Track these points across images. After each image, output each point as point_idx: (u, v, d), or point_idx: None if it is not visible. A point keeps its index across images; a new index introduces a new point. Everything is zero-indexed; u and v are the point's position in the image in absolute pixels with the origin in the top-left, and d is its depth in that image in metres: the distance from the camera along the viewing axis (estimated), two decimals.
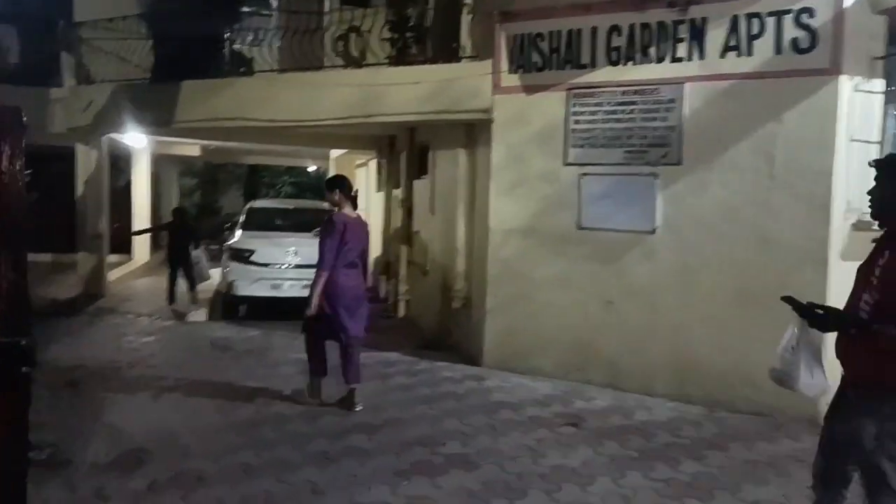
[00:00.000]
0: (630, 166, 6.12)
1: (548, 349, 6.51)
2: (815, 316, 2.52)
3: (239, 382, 6.13)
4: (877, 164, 2.71)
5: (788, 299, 2.58)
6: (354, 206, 5.60)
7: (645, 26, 5.98)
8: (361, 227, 5.62)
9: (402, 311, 9.63)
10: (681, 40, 5.84)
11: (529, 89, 6.66)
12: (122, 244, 14.98)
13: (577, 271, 6.36)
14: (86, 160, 10.72)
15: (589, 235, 6.31)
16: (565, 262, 6.43)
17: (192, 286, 9.95)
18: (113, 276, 12.01)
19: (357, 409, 5.36)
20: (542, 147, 6.60)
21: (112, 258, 13.63)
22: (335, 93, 7.87)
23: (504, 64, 6.76)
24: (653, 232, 5.98)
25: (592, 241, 6.29)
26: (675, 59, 5.87)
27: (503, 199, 6.81)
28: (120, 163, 15.17)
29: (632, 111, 6.08)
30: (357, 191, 5.80)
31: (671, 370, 5.93)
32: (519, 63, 6.69)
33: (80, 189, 10.83)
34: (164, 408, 5.44)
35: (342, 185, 5.60)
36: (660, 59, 5.94)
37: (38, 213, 16.24)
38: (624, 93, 6.12)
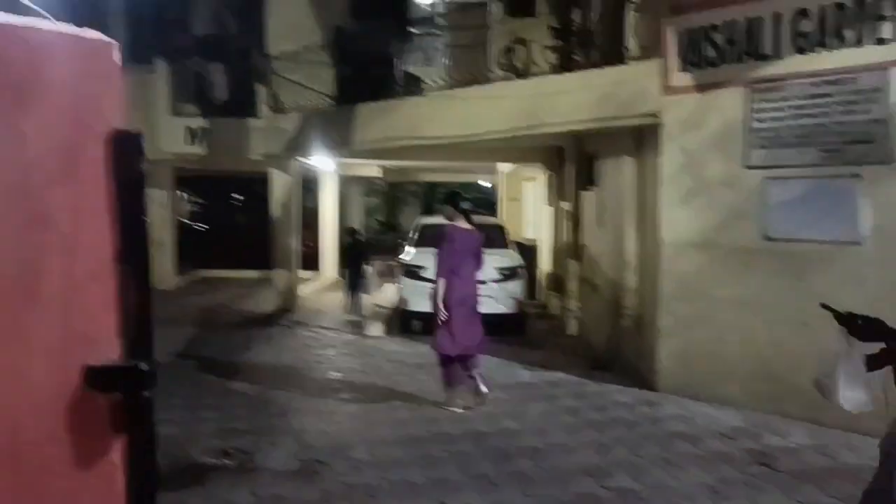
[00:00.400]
0: (825, 167, 5.36)
1: (733, 375, 5.88)
2: (855, 325, 2.35)
3: (410, 397, 6.23)
4: None
5: (827, 307, 2.45)
6: (468, 220, 5.99)
7: (839, 6, 5.21)
8: (473, 237, 5.96)
9: (572, 329, 9.33)
10: (883, 18, 5.02)
11: (703, 88, 6.11)
12: (311, 261, 16.18)
13: (766, 289, 5.68)
14: (279, 184, 11.66)
15: (778, 248, 5.62)
16: (751, 279, 5.78)
17: (359, 300, 10.52)
18: (303, 291, 12.92)
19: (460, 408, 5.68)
20: (719, 150, 6.03)
21: (303, 274, 14.76)
22: (500, 105, 7.85)
23: (673, 62, 6.28)
24: (859, 243, 5.18)
25: (782, 255, 5.59)
26: (879, 41, 5.06)
27: (676, 209, 6.31)
28: (310, 185, 16.41)
29: (825, 104, 5.33)
30: (469, 206, 6.28)
31: (882, 404, 5.05)
32: (690, 60, 6.18)
33: (274, 211, 11.79)
34: (341, 418, 5.68)
35: (454, 200, 6.06)
36: (858, 43, 5.15)
37: (243, 234, 18.22)
38: (815, 84, 5.38)
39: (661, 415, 5.71)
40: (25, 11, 1.34)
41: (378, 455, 4.80)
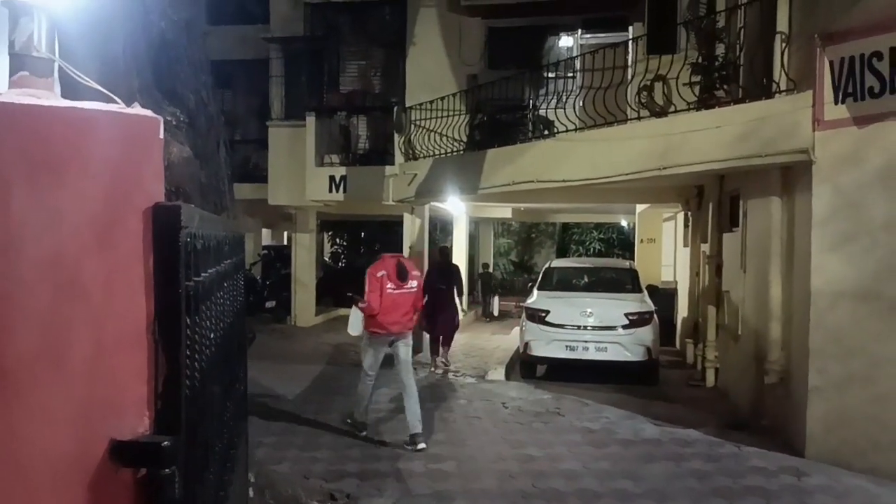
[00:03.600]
0: None
1: None
2: None
3: (521, 448, 5.98)
4: None
5: None
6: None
7: None
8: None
9: (710, 380, 8.61)
10: None
11: (863, 120, 5.49)
12: None
13: None
14: (411, 227, 11.95)
15: None
16: None
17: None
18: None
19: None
20: (882, 190, 5.38)
21: None
22: (632, 146, 7.57)
23: (827, 94, 5.71)
24: None
25: None
26: None
27: (829, 255, 5.65)
28: (446, 227, 16.71)
29: None
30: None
31: None
32: (847, 91, 5.58)
33: (406, 252, 12.07)
34: (448, 466, 5.53)
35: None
36: None
37: None
38: None
39: (807, 486, 5.03)
40: (87, 92, 1.42)
41: None
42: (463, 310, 11.76)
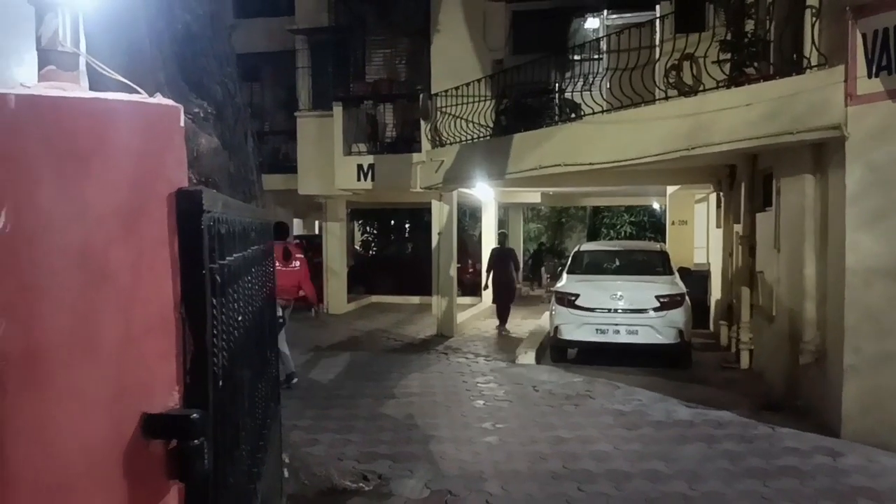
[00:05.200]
0: None
1: None
2: None
3: (552, 430, 6.01)
4: None
5: None
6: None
7: None
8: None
9: (744, 362, 8.51)
10: None
11: None
12: (473, 288, 16.39)
13: None
14: (439, 214, 11.99)
15: None
16: None
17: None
18: (462, 317, 13.06)
19: None
20: None
21: (464, 300, 14.98)
22: (660, 127, 7.48)
23: (860, 69, 5.57)
24: None
25: None
26: None
27: (864, 233, 5.54)
28: (475, 213, 16.73)
29: None
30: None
31: None
32: (881, 64, 5.44)
33: (434, 239, 12.12)
34: (480, 448, 5.59)
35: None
36: None
37: (407, 261, 18.98)
38: None
39: (842, 466, 4.97)
40: (113, 86, 1.47)
41: (511, 490, 4.66)
42: (519, 283, 14.39)
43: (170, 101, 1.37)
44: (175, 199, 1.35)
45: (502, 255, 12.65)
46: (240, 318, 1.90)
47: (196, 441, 1.36)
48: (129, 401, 1.32)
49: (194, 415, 1.36)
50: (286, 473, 4.25)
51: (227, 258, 1.65)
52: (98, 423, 1.29)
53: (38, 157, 1.22)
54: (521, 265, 17.07)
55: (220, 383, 1.54)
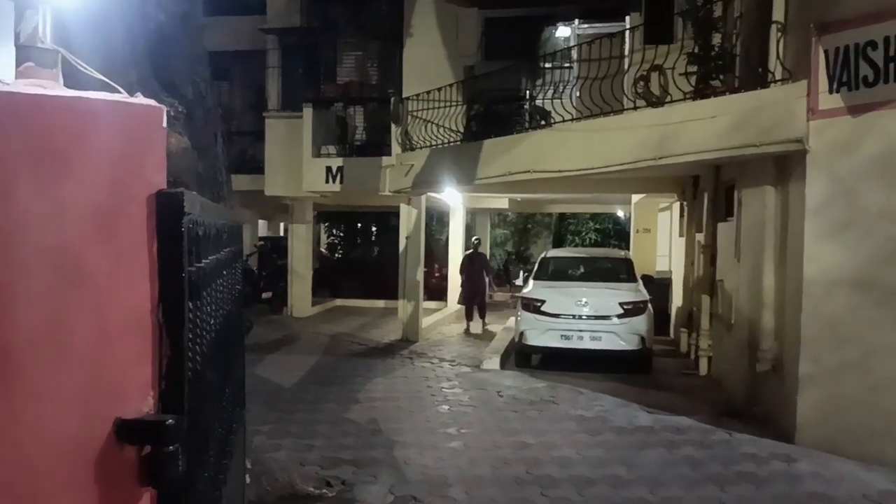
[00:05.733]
0: None
1: (889, 432, 5.20)
2: None
3: (516, 436, 6.05)
4: None
5: None
6: None
7: None
8: None
9: (703, 369, 8.69)
10: None
11: (857, 109, 5.54)
12: (439, 292, 16.39)
13: None
14: (407, 218, 11.98)
15: None
16: None
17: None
18: (428, 321, 13.07)
19: None
20: (878, 178, 5.45)
21: (429, 305, 14.98)
22: (627, 136, 7.59)
23: (822, 84, 5.75)
24: None
25: None
26: None
27: (823, 244, 5.71)
28: (442, 217, 16.74)
29: None
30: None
31: None
32: (842, 80, 5.62)
33: (402, 243, 12.10)
34: (443, 453, 5.60)
35: None
36: None
37: (374, 265, 18.90)
38: None
39: (797, 472, 5.11)
40: (90, 84, 1.45)
41: (475, 495, 4.69)
42: (492, 290, 14.82)
43: (152, 102, 1.35)
44: (155, 200, 1.34)
45: (474, 260, 13.13)
46: (212, 322, 1.88)
47: (171, 447, 1.34)
48: (102, 404, 1.30)
49: (170, 421, 1.34)
50: (248, 479, 4.19)
51: (203, 261, 1.63)
52: (70, 426, 1.27)
53: (16, 155, 1.19)
54: (492, 271, 17.46)
55: (194, 388, 1.52)
